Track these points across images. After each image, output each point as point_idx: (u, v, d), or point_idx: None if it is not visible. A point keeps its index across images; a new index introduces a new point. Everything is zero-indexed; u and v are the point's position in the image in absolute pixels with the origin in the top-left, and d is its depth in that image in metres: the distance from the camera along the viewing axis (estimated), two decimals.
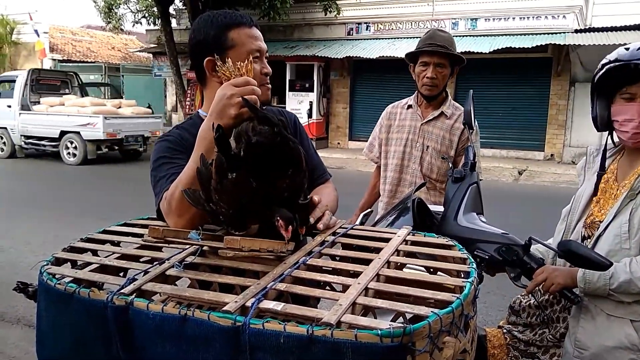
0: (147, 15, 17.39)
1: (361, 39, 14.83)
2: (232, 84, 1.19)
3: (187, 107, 15.81)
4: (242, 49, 1.40)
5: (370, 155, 2.85)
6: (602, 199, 1.66)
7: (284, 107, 13.54)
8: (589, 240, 1.64)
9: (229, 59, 1.28)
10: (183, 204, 1.18)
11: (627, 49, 1.55)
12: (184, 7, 16.62)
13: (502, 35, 13.06)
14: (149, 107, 17.30)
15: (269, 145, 1.05)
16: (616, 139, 1.70)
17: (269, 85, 1.51)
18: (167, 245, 1.19)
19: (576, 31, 12.44)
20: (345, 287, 0.96)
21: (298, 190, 1.12)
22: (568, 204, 1.79)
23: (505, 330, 1.84)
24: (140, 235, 1.30)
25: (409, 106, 2.72)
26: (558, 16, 12.72)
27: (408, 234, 1.25)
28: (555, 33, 12.42)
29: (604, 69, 1.59)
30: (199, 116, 1.52)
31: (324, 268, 1.08)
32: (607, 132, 1.71)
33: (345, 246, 1.23)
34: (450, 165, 2.33)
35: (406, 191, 2.58)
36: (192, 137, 1.34)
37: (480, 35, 13.40)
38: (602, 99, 1.65)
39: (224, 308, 0.89)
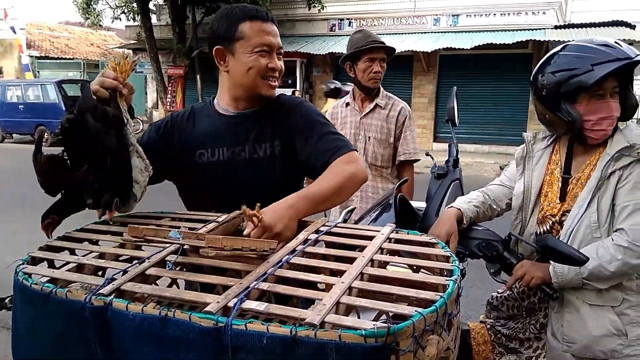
0: (126, 11, 17.14)
1: (344, 35, 14.80)
2: (100, 75, 1.32)
3: (168, 103, 15.67)
4: (250, 42, 1.46)
5: None
6: (550, 192, 1.69)
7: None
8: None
9: (236, 49, 1.47)
10: None
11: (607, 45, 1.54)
12: (164, 3, 16.44)
13: (483, 31, 13.17)
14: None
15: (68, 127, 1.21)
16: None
17: (274, 83, 1.53)
18: (147, 244, 1.17)
19: (556, 27, 12.60)
20: (329, 286, 0.95)
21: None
22: None
23: (488, 326, 1.85)
24: (120, 234, 1.27)
25: (347, 104, 2.97)
26: (538, 12, 12.87)
27: (391, 232, 1.24)
28: (536, 29, 12.55)
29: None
30: (211, 102, 1.64)
31: (307, 267, 1.07)
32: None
33: (329, 244, 1.22)
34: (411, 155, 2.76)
35: None
36: (192, 125, 1.59)
37: (462, 32, 13.49)
38: (565, 101, 1.59)
39: (206, 309, 0.87)
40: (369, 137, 2.85)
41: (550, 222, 1.66)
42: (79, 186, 1.26)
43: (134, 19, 17.28)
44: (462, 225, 1.73)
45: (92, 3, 16.98)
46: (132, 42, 18.53)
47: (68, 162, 1.27)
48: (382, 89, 2.90)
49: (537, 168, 1.75)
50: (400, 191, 2.11)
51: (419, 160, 2.91)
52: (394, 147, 2.86)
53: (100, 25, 18.60)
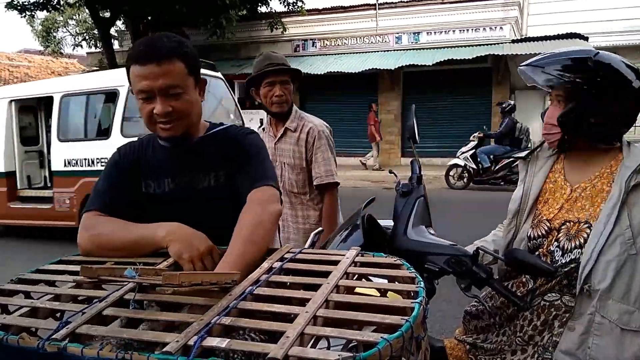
0: (87, 37, 16.97)
1: (308, 56, 14.95)
2: (198, 254, 1.22)
3: None
4: (134, 88, 1.39)
5: None
6: (551, 199, 1.67)
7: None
8: (539, 240, 1.64)
9: None
10: (90, 245, 1.36)
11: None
12: (125, 29, 16.30)
13: (443, 47, 13.48)
14: None
15: None
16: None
17: (166, 126, 1.41)
18: (103, 283, 1.12)
19: (513, 41, 13.00)
20: (295, 316, 0.93)
21: None
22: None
23: (467, 347, 1.81)
24: (77, 273, 1.22)
25: (264, 129, 2.86)
26: (495, 28, 13.28)
27: (357, 255, 1.23)
28: (494, 44, 12.93)
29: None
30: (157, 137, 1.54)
31: (271, 297, 1.05)
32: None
33: (295, 271, 1.20)
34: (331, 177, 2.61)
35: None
36: (144, 154, 1.53)
37: (423, 49, 13.78)
38: None
39: (165, 349, 0.84)
40: (283, 162, 2.70)
41: (546, 227, 1.64)
42: None
43: (96, 46, 17.08)
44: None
45: (52, 31, 16.73)
46: (94, 68, 18.24)
47: None
48: (294, 110, 2.73)
49: (538, 174, 1.75)
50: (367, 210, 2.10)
51: (336, 183, 2.70)
52: (307, 171, 2.67)
53: (61, 53, 18.31)
